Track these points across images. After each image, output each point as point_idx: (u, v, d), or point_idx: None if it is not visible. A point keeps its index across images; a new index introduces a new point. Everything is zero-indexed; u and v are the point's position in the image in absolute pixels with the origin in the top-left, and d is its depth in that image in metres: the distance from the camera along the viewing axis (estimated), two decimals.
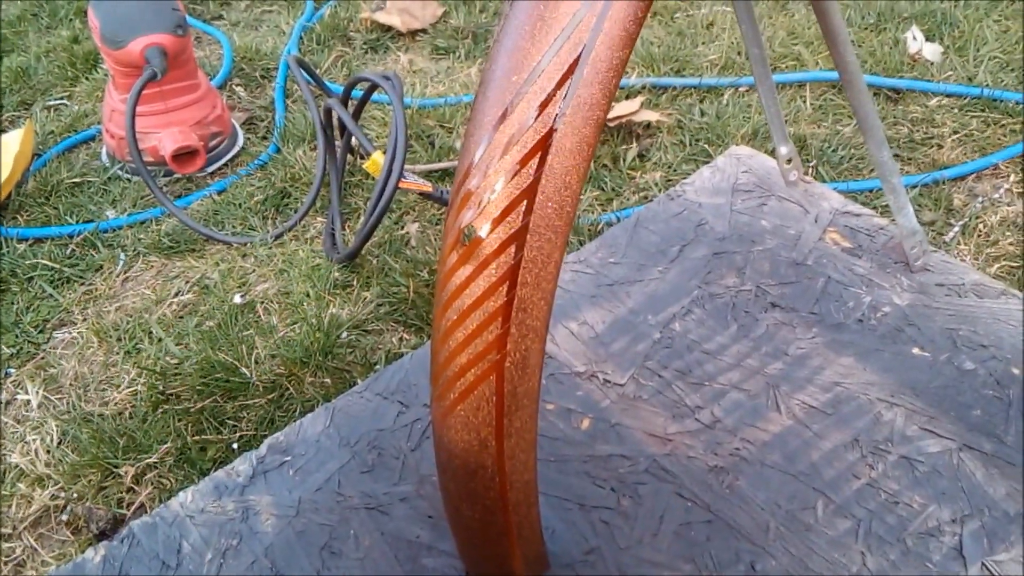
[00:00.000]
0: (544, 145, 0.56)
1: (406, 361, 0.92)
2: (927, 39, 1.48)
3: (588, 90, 0.56)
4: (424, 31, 1.77)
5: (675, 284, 0.99)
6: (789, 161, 1.06)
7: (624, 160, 1.31)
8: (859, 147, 1.26)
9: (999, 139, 1.24)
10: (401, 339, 1.02)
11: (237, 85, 1.64)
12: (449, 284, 0.59)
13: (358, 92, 1.25)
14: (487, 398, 0.59)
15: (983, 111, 1.30)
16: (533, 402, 0.60)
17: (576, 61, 0.55)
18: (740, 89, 1.43)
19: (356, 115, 1.24)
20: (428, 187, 1.10)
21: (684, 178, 1.25)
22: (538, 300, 0.59)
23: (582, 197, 1.25)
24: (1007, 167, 1.18)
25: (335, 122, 1.26)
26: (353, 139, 1.26)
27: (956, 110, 1.31)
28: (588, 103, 0.56)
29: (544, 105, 0.55)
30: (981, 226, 1.09)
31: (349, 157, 1.31)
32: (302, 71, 1.32)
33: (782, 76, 1.42)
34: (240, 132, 1.46)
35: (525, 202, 0.56)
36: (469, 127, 0.59)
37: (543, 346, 0.58)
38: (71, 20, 1.91)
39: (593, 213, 1.22)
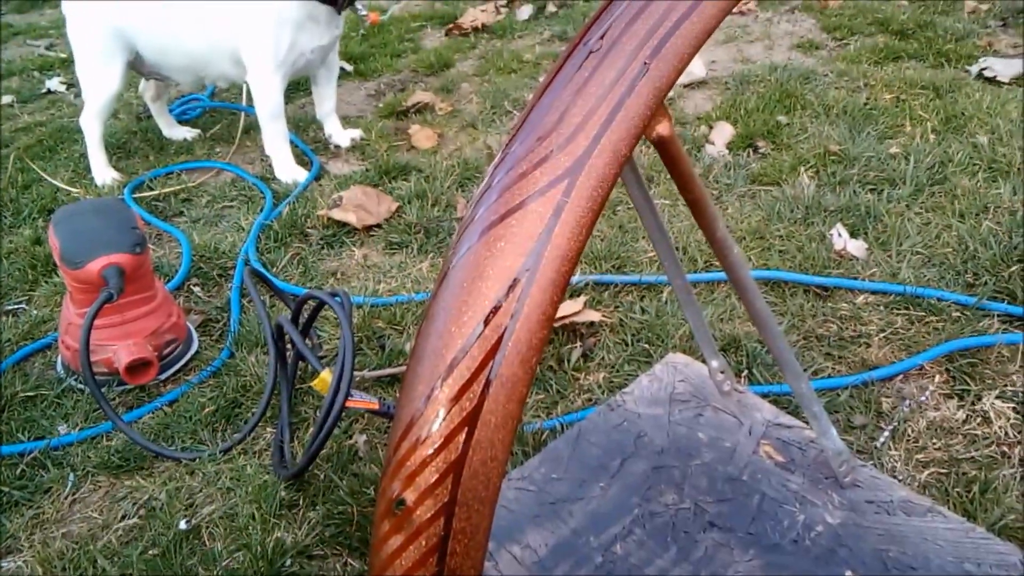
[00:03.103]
0: (470, 420, 0.59)
1: None
2: (852, 234, 1.57)
3: (510, 369, 0.59)
4: (379, 226, 1.84)
5: (616, 502, 1.01)
6: (722, 372, 1.10)
7: (569, 361, 1.35)
8: (790, 347, 1.31)
9: (923, 337, 1.30)
10: (346, 564, 1.02)
11: (195, 285, 1.68)
12: (382, 552, 0.61)
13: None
14: None
15: (907, 308, 1.37)
16: None
17: (498, 342, 0.59)
18: None
19: (306, 329, 1.28)
20: (375, 404, 1.13)
21: (626, 379, 1.30)
22: (468, 569, 0.60)
23: (527, 401, 1.28)
24: (932, 367, 1.24)
25: (286, 334, 1.30)
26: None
27: (882, 307, 1.38)
28: (511, 381, 0.59)
29: (469, 384, 0.59)
30: (910, 431, 1.14)
31: (301, 363, 1.34)
32: (258, 280, 1.37)
33: (717, 274, 1.50)
34: (195, 336, 1.49)
35: (452, 475, 0.59)
36: (402, 396, 0.62)
37: None
38: (34, 219, 1.97)
39: (538, 419, 1.25)
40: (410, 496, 0.59)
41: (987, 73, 2.23)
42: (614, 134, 0.63)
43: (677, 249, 1.62)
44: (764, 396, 1.20)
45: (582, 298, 1.46)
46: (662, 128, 0.69)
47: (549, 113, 0.65)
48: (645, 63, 0.64)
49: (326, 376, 1.13)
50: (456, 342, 0.60)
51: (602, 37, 0.66)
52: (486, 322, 0.59)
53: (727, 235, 0.79)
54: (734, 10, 3.15)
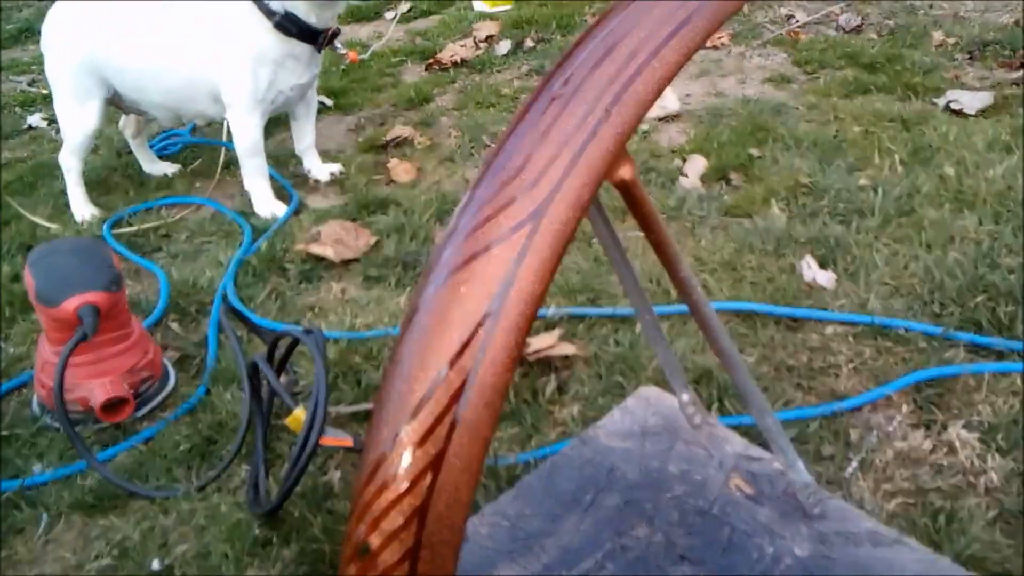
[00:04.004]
0: (435, 464, 0.60)
1: None
2: (821, 265, 1.60)
3: (474, 412, 0.60)
4: (356, 260, 1.85)
5: (589, 536, 1.02)
6: (693, 405, 1.12)
7: (543, 394, 1.36)
8: (761, 378, 1.33)
9: (891, 367, 1.33)
10: None
11: (172, 321, 1.69)
12: None
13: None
14: None
15: (875, 339, 1.39)
16: None
17: (462, 385, 0.60)
18: None
19: (281, 366, 1.29)
20: (349, 442, 1.14)
21: (601, 412, 1.31)
22: None
23: (501, 435, 1.29)
24: (899, 398, 1.26)
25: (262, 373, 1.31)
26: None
27: (851, 338, 1.40)
28: (475, 424, 0.60)
29: (433, 428, 0.60)
30: (878, 461, 1.15)
31: (277, 400, 1.35)
32: (235, 317, 1.38)
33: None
34: (172, 372, 1.50)
35: (417, 519, 0.60)
36: (367, 439, 0.63)
37: None
38: (13, 256, 1.97)
39: (513, 452, 1.26)
40: (375, 540, 0.60)
41: (954, 106, 2.27)
42: (576, 179, 0.65)
43: (652, 281, 1.64)
44: (736, 427, 1.21)
45: (557, 331, 1.48)
46: (624, 172, 0.71)
47: (513, 158, 0.67)
48: (607, 110, 0.66)
49: (299, 414, 1.14)
50: (422, 385, 0.61)
51: (565, 83, 0.68)
52: (451, 365, 0.60)
53: (691, 275, 0.81)
54: (707, 44, 3.21)
